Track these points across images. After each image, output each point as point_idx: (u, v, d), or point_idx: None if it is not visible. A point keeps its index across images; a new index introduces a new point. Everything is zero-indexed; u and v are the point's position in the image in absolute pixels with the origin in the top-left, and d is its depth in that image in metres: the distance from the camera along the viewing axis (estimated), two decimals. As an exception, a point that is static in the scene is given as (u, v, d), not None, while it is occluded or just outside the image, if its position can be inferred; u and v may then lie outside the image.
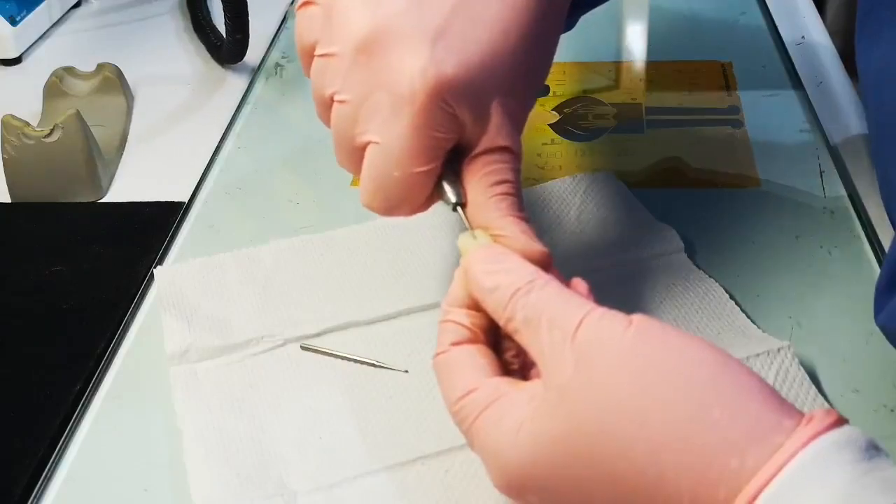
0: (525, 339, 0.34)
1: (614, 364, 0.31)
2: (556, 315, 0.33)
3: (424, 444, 0.42)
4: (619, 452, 0.31)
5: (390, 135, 0.37)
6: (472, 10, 0.37)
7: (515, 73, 0.38)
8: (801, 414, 0.31)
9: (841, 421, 0.31)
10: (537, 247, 0.37)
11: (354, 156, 0.39)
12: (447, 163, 0.38)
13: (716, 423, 0.30)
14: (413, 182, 0.38)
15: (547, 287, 0.34)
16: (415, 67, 0.36)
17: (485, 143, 0.38)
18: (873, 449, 0.30)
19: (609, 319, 0.33)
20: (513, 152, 0.38)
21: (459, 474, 0.40)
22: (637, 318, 0.33)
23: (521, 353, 0.37)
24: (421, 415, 0.43)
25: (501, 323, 0.35)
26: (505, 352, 0.37)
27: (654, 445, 0.30)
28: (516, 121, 0.39)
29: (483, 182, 0.38)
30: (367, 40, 0.37)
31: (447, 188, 0.38)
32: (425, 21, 0.37)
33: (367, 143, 0.38)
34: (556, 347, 0.33)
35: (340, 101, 0.38)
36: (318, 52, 0.39)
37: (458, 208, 0.38)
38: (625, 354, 0.32)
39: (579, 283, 0.37)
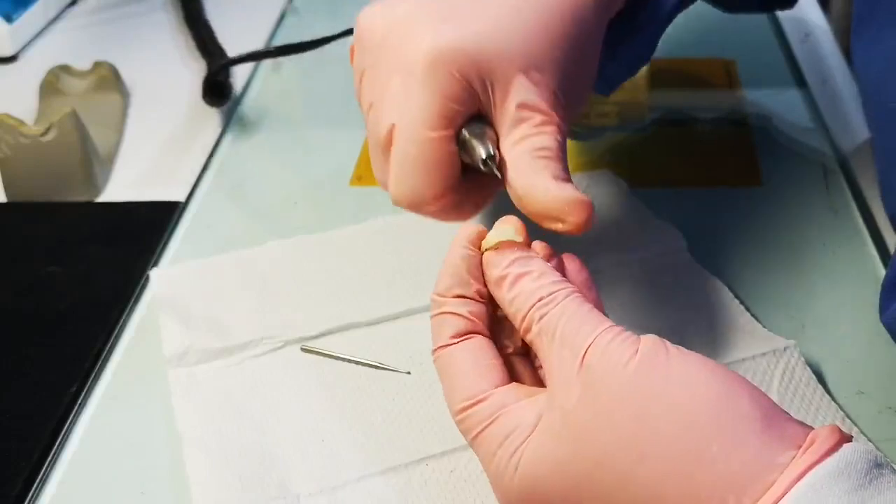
0: (539, 350, 0.34)
1: (616, 396, 0.31)
2: (568, 333, 0.33)
3: (428, 446, 0.41)
4: (619, 485, 0.31)
5: (405, 111, 0.37)
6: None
7: (536, 46, 0.38)
8: (805, 434, 0.31)
9: (842, 441, 0.30)
10: (565, 194, 0.35)
11: (385, 154, 0.39)
12: (474, 130, 0.38)
13: (714, 459, 0.30)
14: (431, 151, 0.37)
15: (567, 301, 0.34)
16: (419, 42, 0.37)
17: (511, 104, 0.37)
18: (875, 468, 0.29)
19: (617, 344, 0.32)
20: (545, 113, 0.38)
21: (464, 475, 0.40)
22: (645, 342, 0.32)
23: (515, 340, 0.37)
24: (424, 416, 0.43)
25: (519, 329, 0.35)
26: (504, 337, 0.37)
27: (654, 480, 0.30)
28: (548, 89, 0.38)
29: (519, 148, 0.37)
30: (383, 37, 0.39)
31: (475, 143, 0.37)
32: (435, 10, 0.38)
33: (391, 134, 0.38)
34: (566, 368, 0.33)
35: (370, 107, 0.39)
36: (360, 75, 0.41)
37: (490, 161, 0.37)
38: (627, 387, 0.31)
39: (570, 259, 0.37)
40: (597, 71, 0.43)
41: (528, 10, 0.38)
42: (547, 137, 0.37)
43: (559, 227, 0.36)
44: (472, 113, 0.38)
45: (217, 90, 0.64)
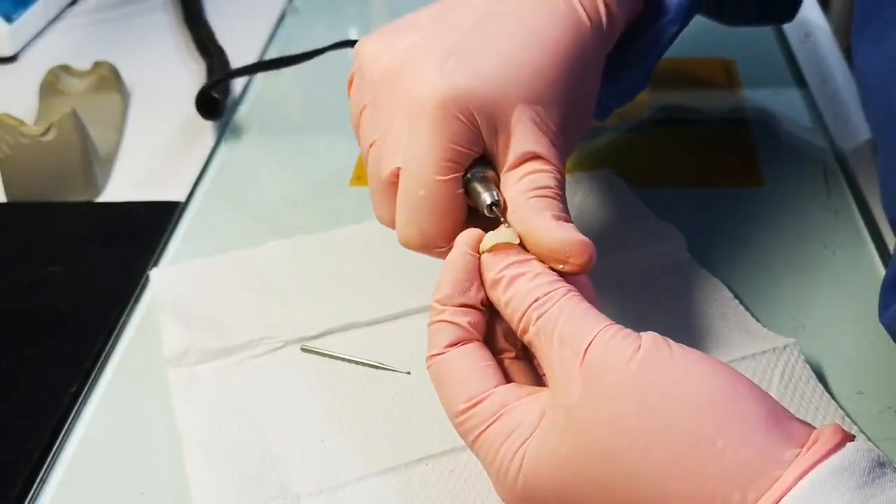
0: (538, 350, 0.34)
1: (620, 391, 0.31)
2: (568, 331, 0.33)
3: (428, 445, 0.41)
4: (623, 480, 0.31)
5: (411, 154, 0.37)
6: (486, 31, 0.39)
7: (539, 85, 0.38)
8: (808, 433, 0.31)
9: (845, 440, 0.30)
10: (566, 235, 0.35)
11: (387, 194, 0.39)
12: (478, 174, 0.38)
13: (719, 454, 0.30)
14: (439, 195, 0.37)
15: (564, 300, 0.34)
16: (425, 83, 0.37)
17: (514, 151, 0.38)
18: (878, 468, 0.30)
19: (619, 341, 0.32)
20: (546, 160, 0.38)
21: (464, 475, 0.40)
22: (646, 339, 0.32)
23: (515, 344, 0.37)
24: (424, 416, 0.43)
25: (516, 330, 0.35)
26: (498, 344, 0.37)
27: (658, 475, 0.30)
28: (549, 130, 0.38)
29: (519, 188, 0.37)
30: (386, 74, 0.39)
31: (479, 189, 0.37)
32: (437, 47, 0.38)
33: (394, 175, 0.38)
34: (567, 366, 0.33)
35: (371, 145, 0.39)
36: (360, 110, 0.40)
37: (494, 208, 0.37)
38: (630, 382, 0.31)
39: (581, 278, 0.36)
40: (596, 103, 0.43)
41: (532, 47, 0.38)
42: (546, 176, 0.37)
43: (561, 268, 0.36)
44: (476, 154, 0.38)
45: (210, 105, 0.64)
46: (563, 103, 0.39)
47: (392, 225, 0.40)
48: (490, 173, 0.38)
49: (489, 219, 0.37)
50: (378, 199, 0.40)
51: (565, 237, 0.35)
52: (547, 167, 0.38)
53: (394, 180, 0.38)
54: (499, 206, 0.37)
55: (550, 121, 0.38)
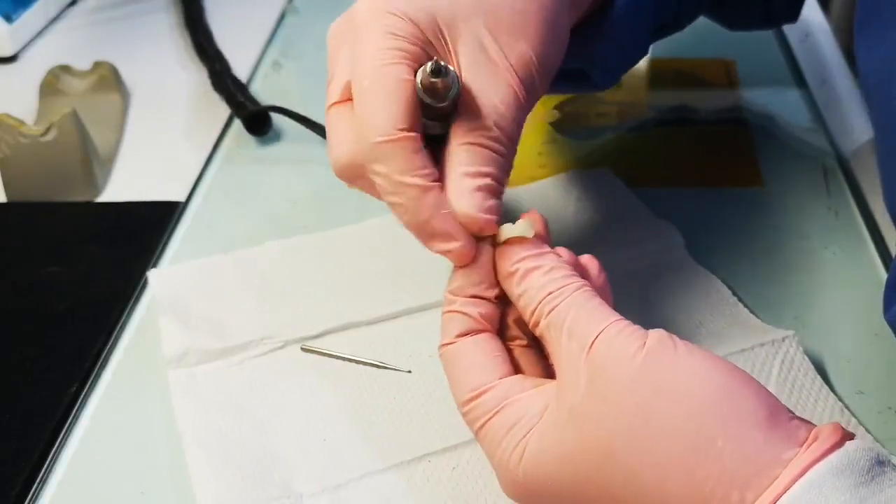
0: (548, 343, 0.35)
1: (623, 389, 0.31)
2: (576, 325, 0.33)
3: (430, 442, 0.41)
4: (624, 478, 0.31)
5: (356, 60, 0.37)
6: None
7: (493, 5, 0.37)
8: (808, 431, 0.31)
9: (844, 439, 0.30)
10: (466, 212, 0.35)
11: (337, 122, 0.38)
12: (435, 65, 0.36)
13: (719, 453, 0.30)
14: (384, 80, 0.36)
15: (576, 294, 0.34)
16: (361, 6, 0.37)
17: (466, 53, 0.37)
18: (877, 466, 0.30)
19: (625, 337, 0.32)
20: (502, 79, 0.37)
21: (467, 471, 0.40)
22: (653, 336, 0.33)
23: (527, 333, 0.37)
24: (425, 414, 0.43)
25: (529, 323, 0.35)
26: (510, 332, 0.37)
27: (659, 473, 0.31)
28: (498, 52, 0.37)
29: (460, 130, 0.36)
30: (336, 32, 0.39)
31: (429, 63, 0.35)
32: None
33: (346, 90, 0.37)
34: (573, 359, 0.33)
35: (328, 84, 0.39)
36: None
37: (442, 73, 0.35)
38: (634, 379, 0.32)
39: (590, 261, 0.37)
40: (566, 30, 0.41)
41: None
42: (483, 153, 0.36)
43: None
44: (420, 48, 0.37)
45: (261, 122, 0.65)
46: (537, 30, 0.38)
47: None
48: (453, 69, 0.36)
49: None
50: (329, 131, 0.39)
51: (465, 208, 0.35)
52: (494, 91, 0.36)
53: (346, 98, 0.37)
54: (446, 71, 0.35)
55: (517, 44, 0.37)
